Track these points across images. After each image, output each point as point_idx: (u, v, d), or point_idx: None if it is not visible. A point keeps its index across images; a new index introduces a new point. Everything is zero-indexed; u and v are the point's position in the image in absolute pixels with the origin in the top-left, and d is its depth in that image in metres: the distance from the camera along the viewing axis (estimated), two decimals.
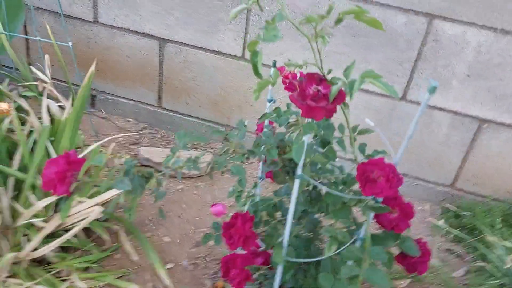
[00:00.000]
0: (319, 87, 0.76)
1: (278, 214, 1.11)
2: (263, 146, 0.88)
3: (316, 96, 0.73)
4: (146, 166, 1.76)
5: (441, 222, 1.65)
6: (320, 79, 0.76)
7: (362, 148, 0.98)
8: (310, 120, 0.82)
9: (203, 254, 1.45)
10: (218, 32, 1.67)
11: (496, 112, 1.54)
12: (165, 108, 1.94)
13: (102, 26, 1.79)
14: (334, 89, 0.73)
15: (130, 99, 1.96)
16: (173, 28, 1.71)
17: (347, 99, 0.73)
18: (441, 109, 1.58)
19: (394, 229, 0.97)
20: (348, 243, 1.02)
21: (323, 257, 0.96)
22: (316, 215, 1.15)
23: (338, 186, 0.97)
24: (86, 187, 1.34)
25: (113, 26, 1.78)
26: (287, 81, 0.99)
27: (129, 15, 1.73)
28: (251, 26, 1.62)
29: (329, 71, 0.85)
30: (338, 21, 0.78)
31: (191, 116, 1.93)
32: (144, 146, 1.89)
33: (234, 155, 0.85)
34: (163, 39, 1.75)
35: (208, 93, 1.84)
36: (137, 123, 2.03)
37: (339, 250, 0.99)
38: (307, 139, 0.79)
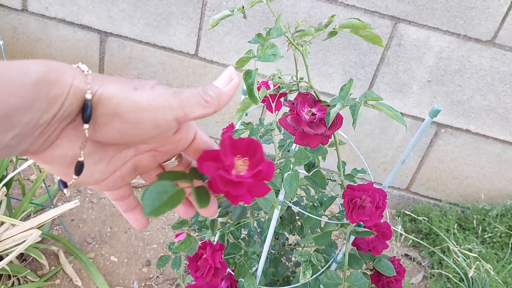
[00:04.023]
0: (313, 110, 0.66)
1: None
2: None
3: (313, 122, 0.63)
4: None
5: (399, 227, 1.64)
6: (314, 101, 0.66)
7: (342, 165, 0.90)
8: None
9: (155, 274, 1.32)
10: (169, 27, 1.51)
11: (453, 117, 1.54)
12: None
13: (32, 15, 1.56)
14: (332, 112, 0.63)
15: None
16: (117, 20, 1.53)
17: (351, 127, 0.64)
18: (400, 114, 1.55)
19: (371, 251, 0.94)
20: (324, 268, 0.96)
21: (298, 284, 0.89)
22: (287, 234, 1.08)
23: (317, 209, 0.89)
24: (19, 208, 1.15)
25: (44, 15, 1.55)
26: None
27: (65, 4, 1.52)
28: (206, 22, 1.48)
29: (301, 79, 0.75)
30: (332, 33, 0.68)
31: None
32: None
33: None
34: (105, 32, 1.56)
35: None
36: None
37: (315, 275, 0.93)
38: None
